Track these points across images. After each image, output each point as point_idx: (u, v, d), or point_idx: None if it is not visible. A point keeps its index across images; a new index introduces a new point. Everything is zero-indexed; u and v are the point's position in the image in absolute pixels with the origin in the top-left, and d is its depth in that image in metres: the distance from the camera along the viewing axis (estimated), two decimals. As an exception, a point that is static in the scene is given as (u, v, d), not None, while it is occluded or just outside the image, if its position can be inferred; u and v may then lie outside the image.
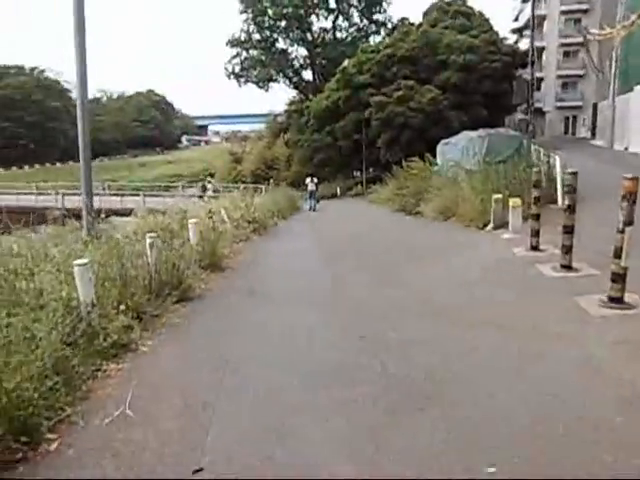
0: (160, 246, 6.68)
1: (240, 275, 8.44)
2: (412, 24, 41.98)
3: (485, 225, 11.38)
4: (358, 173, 38.81)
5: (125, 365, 4.54)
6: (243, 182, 39.99)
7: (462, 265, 8.21)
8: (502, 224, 10.61)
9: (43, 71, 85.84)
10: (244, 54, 54.58)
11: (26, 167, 70.99)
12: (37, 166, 72.26)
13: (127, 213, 26.00)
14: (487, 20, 38.94)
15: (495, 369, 4.17)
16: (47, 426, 3.48)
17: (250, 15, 51.98)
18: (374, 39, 51.55)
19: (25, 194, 37.39)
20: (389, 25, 51.97)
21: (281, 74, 54.95)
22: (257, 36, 53.38)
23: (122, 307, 5.04)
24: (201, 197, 31.14)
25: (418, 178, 18.52)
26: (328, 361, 4.56)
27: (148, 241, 6.49)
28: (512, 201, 10.05)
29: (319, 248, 11.88)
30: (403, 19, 46.90)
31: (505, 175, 12.69)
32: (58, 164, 72.19)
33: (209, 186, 41.23)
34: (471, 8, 40.06)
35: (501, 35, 38.75)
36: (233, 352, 4.85)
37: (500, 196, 10.97)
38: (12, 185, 41.94)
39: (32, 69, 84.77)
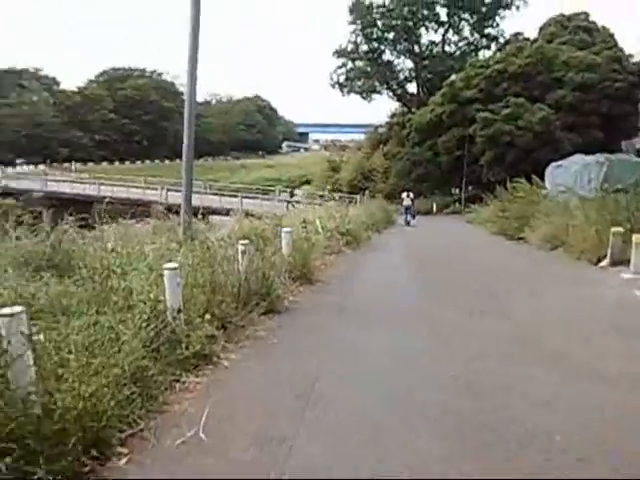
0: (252, 253, 6.50)
1: (331, 290, 8.11)
2: (526, 39, 40.13)
3: (599, 260, 10.29)
4: (456, 190, 37.51)
5: (204, 379, 4.33)
6: (339, 191, 39.82)
7: (574, 303, 7.36)
8: (621, 261, 9.51)
9: (161, 74, 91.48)
10: (350, 64, 54.78)
11: (138, 162, 75.82)
12: (148, 162, 76.96)
13: (224, 212, 26.86)
14: (612, 35, 36.27)
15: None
16: (119, 438, 3.32)
17: (359, 26, 52.13)
18: (484, 54, 49.83)
19: (135, 187, 39.59)
20: (501, 40, 50.01)
21: (385, 86, 54.59)
22: (364, 47, 53.37)
23: (208, 316, 4.86)
24: (289, 203, 31.37)
25: (524, 201, 17.38)
26: (417, 396, 4.12)
27: (240, 248, 6.34)
28: (636, 237, 8.96)
29: (414, 266, 11.31)
30: (517, 34, 44.92)
31: (627, 206, 11.46)
32: (167, 161, 76.30)
33: (297, 192, 41.55)
34: (594, 23, 37.52)
35: (628, 52, 35.87)
36: (319, 376, 4.50)
37: (621, 229, 9.86)
38: (124, 178, 44.72)
39: (152, 72, 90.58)
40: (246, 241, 6.65)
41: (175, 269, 4.69)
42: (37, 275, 5.17)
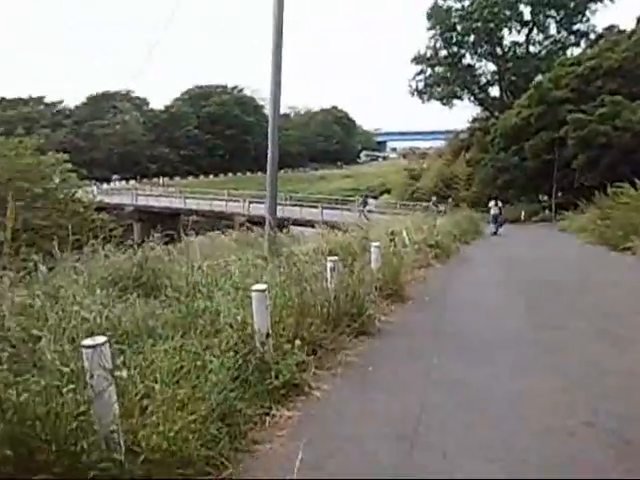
0: (341, 270, 6.09)
1: (424, 308, 7.51)
2: (622, 32, 37.45)
3: None
4: (545, 197, 35.44)
5: (296, 413, 3.93)
6: (423, 200, 38.48)
7: None
8: None
9: (242, 90, 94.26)
10: (429, 71, 53.65)
11: (221, 175, 78.27)
12: (230, 175, 79.28)
13: (304, 223, 26.87)
14: None
15: None
16: (205, 484, 2.99)
17: (438, 31, 50.97)
18: (572, 51, 47.11)
19: (218, 200, 40.61)
20: (592, 35, 47.09)
21: (466, 90, 52.97)
22: (443, 52, 52.07)
23: (298, 341, 4.49)
24: (361, 212, 30.75)
25: (629, 207, 15.85)
26: (542, 452, 3.47)
27: (329, 265, 5.94)
28: None
29: (511, 282, 10.30)
30: (610, 27, 42.12)
31: None
32: (248, 173, 78.27)
33: (370, 201, 40.46)
34: (702, 10, 34.39)
35: None
36: (422, 414, 3.97)
37: None
38: (208, 191, 46.12)
39: (233, 88, 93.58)
40: (335, 257, 6.25)
41: (264, 291, 4.36)
42: (124, 295, 5.04)
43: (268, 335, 4.30)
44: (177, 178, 71.76)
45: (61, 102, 75.85)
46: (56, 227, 14.05)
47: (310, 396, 4.22)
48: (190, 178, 73.83)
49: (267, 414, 3.84)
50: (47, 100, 73.95)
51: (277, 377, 4.13)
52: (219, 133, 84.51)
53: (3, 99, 70.76)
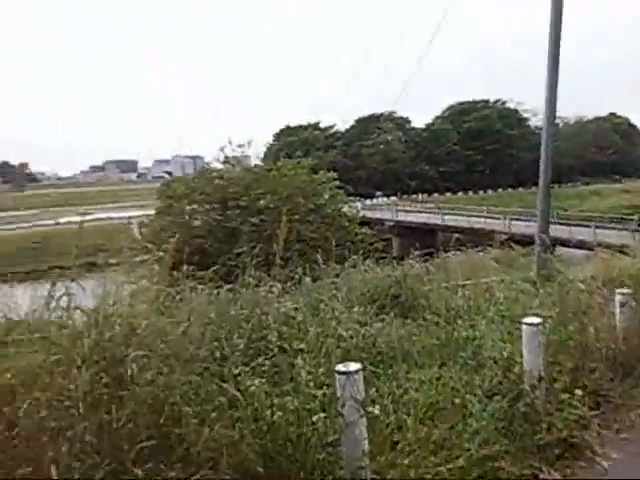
0: (633, 305, 4.95)
1: None
2: None
3: None
4: None
5: (573, 483, 3.18)
6: None
7: None
8: None
9: (504, 103, 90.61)
10: None
11: (480, 192, 76.20)
12: (490, 191, 76.62)
13: (576, 244, 24.18)
14: None
15: None
16: None
17: None
18: None
19: (476, 216, 39.46)
20: None
21: None
22: None
23: (579, 391, 3.69)
24: (635, 232, 26.02)
25: None
26: None
27: (618, 297, 4.87)
28: None
29: None
30: None
31: None
32: (509, 190, 74.56)
33: None
34: None
35: None
36: None
37: None
38: (466, 207, 45.24)
39: (495, 102, 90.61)
40: (626, 290, 5.12)
41: (538, 325, 3.70)
42: (381, 313, 4.90)
43: (541, 378, 3.63)
44: (435, 194, 72.52)
45: (333, 126, 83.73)
46: (323, 239, 15.14)
47: (593, 463, 3.38)
48: (448, 194, 73.79)
49: (535, 477, 3.18)
50: (322, 125, 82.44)
51: (549, 431, 3.43)
52: (479, 148, 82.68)
53: (288, 127, 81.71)
